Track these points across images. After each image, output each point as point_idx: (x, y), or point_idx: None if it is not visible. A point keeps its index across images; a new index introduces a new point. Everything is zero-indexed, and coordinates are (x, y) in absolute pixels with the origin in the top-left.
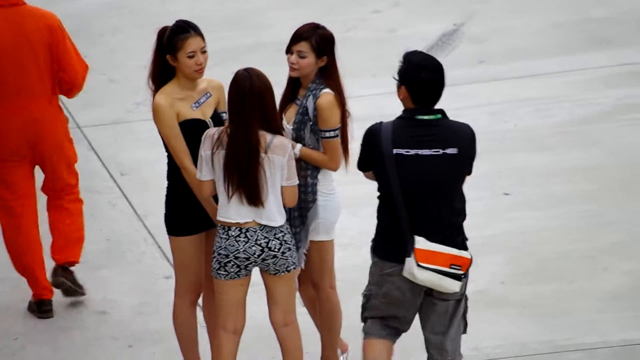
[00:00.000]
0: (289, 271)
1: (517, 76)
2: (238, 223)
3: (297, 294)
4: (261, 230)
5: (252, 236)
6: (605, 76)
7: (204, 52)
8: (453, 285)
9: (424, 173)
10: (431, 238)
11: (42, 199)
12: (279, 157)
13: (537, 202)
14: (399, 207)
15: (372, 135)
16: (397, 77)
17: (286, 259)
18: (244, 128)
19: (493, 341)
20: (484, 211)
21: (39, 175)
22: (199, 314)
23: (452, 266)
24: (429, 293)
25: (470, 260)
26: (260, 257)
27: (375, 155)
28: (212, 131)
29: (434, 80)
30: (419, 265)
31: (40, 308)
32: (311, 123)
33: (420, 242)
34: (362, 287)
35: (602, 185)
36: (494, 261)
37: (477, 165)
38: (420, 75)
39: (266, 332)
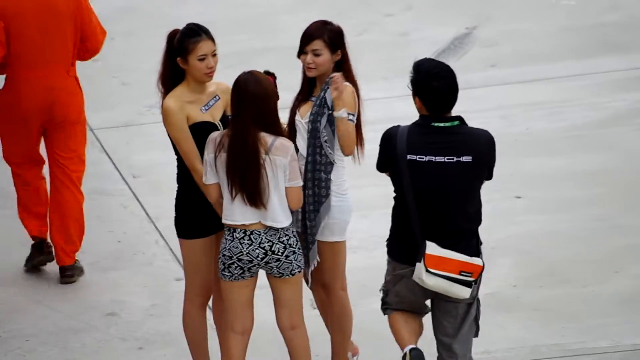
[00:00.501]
0: (293, 274)
1: (529, 80)
2: (244, 225)
3: (308, 296)
4: (265, 233)
5: (256, 239)
6: (617, 80)
7: (214, 55)
8: (462, 292)
9: (437, 180)
10: (442, 243)
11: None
12: (280, 158)
13: (549, 206)
14: (411, 211)
15: (389, 138)
16: (410, 87)
17: (290, 263)
18: (243, 130)
19: (503, 344)
20: (496, 214)
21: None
22: (209, 316)
23: (462, 273)
24: (439, 294)
25: (482, 267)
26: (264, 260)
27: (391, 159)
28: (215, 135)
29: (446, 87)
30: (427, 271)
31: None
32: (330, 112)
33: (432, 248)
34: (373, 290)
35: (613, 189)
36: (505, 264)
37: None
38: (432, 84)
39: (280, 335)
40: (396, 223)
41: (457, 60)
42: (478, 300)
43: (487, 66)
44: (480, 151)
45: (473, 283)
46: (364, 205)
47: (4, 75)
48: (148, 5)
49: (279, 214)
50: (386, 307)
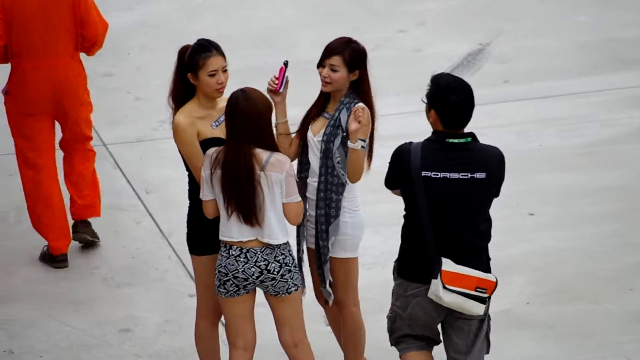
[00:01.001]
0: (289, 293)
1: (542, 96)
2: (240, 242)
3: (320, 312)
4: (262, 252)
5: (252, 257)
6: (630, 97)
7: (225, 71)
8: (477, 308)
9: (452, 196)
10: (456, 260)
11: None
12: (276, 174)
13: (562, 222)
14: (425, 228)
15: (402, 155)
16: (425, 100)
17: (285, 281)
18: (237, 148)
19: None
20: (509, 231)
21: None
22: (222, 332)
23: (478, 289)
24: (452, 312)
25: (496, 284)
26: (259, 279)
27: (404, 176)
28: (211, 151)
29: (463, 102)
30: (445, 288)
31: (55, 258)
32: (344, 134)
33: (448, 264)
34: (386, 306)
35: (627, 205)
36: (518, 281)
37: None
38: (450, 98)
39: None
40: (408, 241)
41: (471, 76)
42: (489, 316)
43: (501, 82)
44: (492, 168)
45: (487, 299)
46: (377, 222)
47: (9, 67)
48: (163, 20)
49: (275, 230)
50: (398, 342)
